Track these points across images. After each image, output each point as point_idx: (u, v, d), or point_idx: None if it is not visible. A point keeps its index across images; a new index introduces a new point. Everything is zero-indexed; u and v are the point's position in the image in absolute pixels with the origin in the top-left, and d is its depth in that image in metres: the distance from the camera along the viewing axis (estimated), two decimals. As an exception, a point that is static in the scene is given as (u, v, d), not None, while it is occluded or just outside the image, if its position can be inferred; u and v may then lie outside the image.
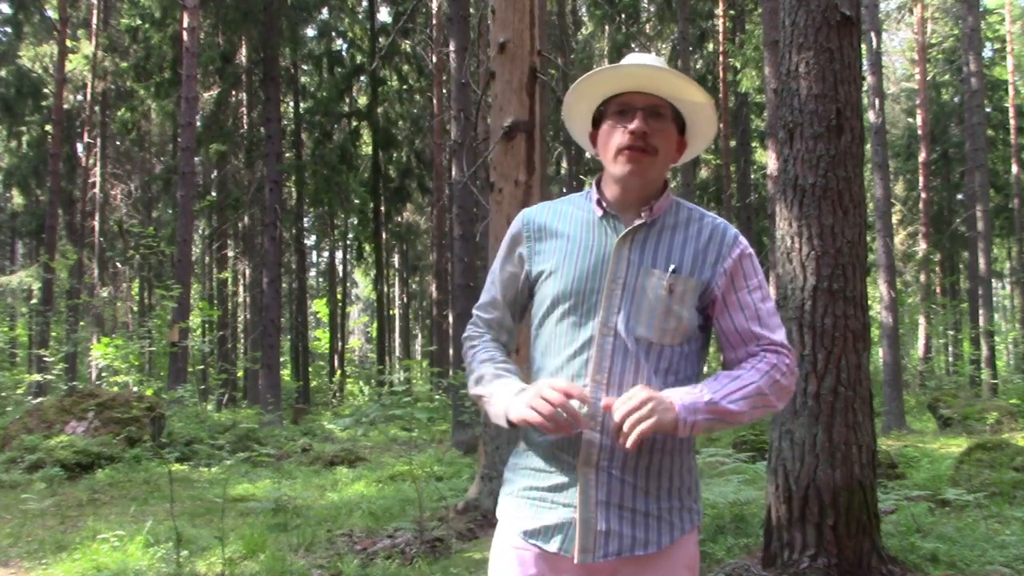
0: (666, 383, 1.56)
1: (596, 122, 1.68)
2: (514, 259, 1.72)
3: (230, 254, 27.11)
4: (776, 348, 1.62)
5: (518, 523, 1.62)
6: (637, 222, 1.61)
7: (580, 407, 1.52)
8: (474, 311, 1.80)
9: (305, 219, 27.99)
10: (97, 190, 23.16)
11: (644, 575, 1.57)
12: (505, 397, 1.59)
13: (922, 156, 26.73)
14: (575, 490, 1.55)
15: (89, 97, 23.22)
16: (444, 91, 21.33)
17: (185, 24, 15.71)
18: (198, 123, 18.41)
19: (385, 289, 27.70)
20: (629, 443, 1.44)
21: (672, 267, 1.58)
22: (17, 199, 25.93)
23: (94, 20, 22.87)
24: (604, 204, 1.64)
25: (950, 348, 30.46)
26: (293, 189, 24.30)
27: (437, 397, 19.41)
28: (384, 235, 26.43)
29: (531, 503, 1.61)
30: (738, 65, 20.54)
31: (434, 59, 22.81)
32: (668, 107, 1.63)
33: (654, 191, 1.65)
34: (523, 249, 1.70)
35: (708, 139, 1.72)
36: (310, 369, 27.94)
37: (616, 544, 1.54)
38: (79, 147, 25.54)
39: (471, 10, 12.94)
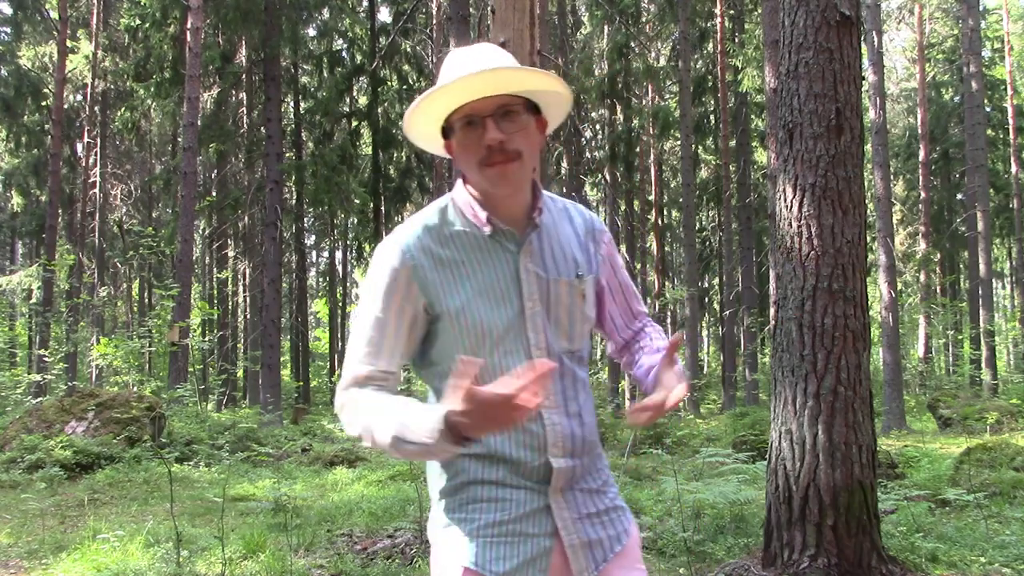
0: (585, 374, 1.58)
1: (445, 131, 1.53)
2: (400, 295, 1.48)
3: (230, 254, 27.12)
4: (650, 320, 1.75)
5: (492, 565, 1.46)
6: (531, 231, 1.52)
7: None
8: (348, 371, 1.49)
9: (305, 219, 28.01)
10: (97, 190, 23.16)
11: (621, 571, 1.54)
12: (431, 422, 1.29)
13: (922, 156, 26.75)
14: (547, 516, 1.49)
15: (89, 97, 23.24)
16: (444, 91, 21.29)
17: (189, 24, 15.70)
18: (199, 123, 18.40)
19: (385, 289, 27.61)
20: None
21: (578, 272, 1.55)
22: (17, 199, 25.95)
23: (94, 20, 22.89)
24: (493, 220, 1.50)
25: (950, 348, 30.48)
26: (293, 189, 24.31)
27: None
28: (384, 235, 26.41)
29: (498, 541, 1.47)
30: (738, 65, 20.54)
31: (434, 59, 22.82)
32: (519, 100, 1.48)
33: (528, 192, 1.56)
34: (413, 282, 1.47)
35: (563, 108, 1.59)
36: (310, 369, 27.97)
37: (600, 551, 1.52)
38: (79, 147, 25.55)
39: (471, 10, 12.95)
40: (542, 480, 1.49)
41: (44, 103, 23.46)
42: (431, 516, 1.57)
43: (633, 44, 24.07)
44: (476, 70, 1.42)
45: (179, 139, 20.12)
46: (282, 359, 24.70)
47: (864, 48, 14.69)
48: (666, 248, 29.39)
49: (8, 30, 24.28)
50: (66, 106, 23.35)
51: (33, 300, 23.17)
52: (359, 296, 1.54)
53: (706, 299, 29.99)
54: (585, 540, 1.51)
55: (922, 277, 28.26)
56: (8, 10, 23.71)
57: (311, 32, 24.33)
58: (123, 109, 21.29)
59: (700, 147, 26.60)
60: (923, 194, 26.68)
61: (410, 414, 1.36)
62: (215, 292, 28.09)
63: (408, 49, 24.42)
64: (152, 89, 19.21)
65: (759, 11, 17.64)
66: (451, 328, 1.47)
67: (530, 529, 1.48)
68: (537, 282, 1.50)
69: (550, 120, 1.59)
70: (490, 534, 1.47)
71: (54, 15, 22.60)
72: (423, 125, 1.53)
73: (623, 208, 27.12)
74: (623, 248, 26.74)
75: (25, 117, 23.80)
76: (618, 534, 1.56)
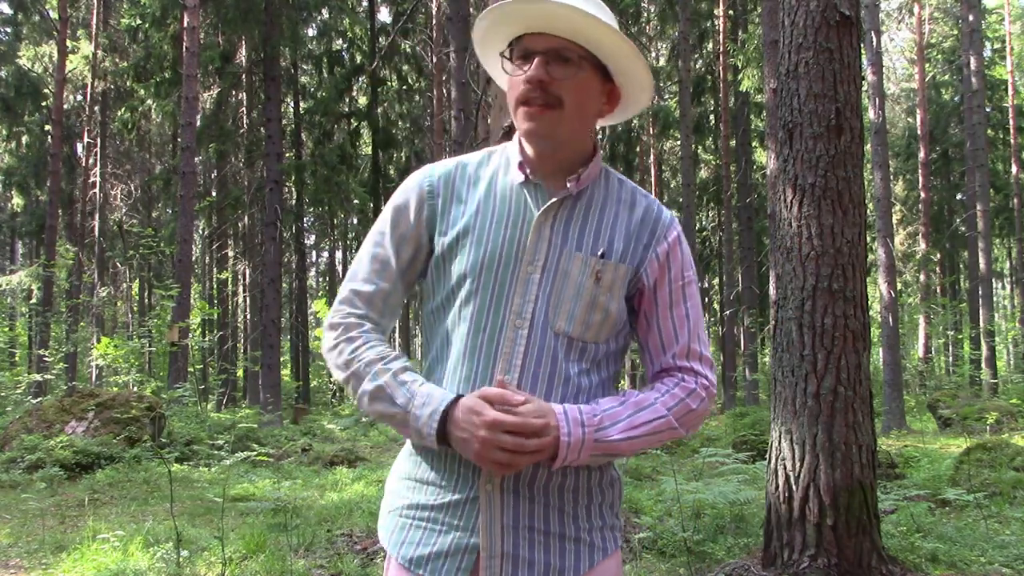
0: (589, 382, 1.35)
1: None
2: (411, 218, 1.41)
3: (230, 254, 27.13)
4: (699, 364, 1.39)
5: (401, 549, 1.39)
6: (562, 193, 1.37)
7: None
8: (347, 286, 1.42)
9: (305, 219, 28.02)
10: (97, 190, 23.16)
11: None
12: (436, 402, 1.29)
13: (922, 156, 26.76)
14: (475, 510, 1.31)
15: (89, 97, 23.24)
16: (444, 91, 21.34)
17: (185, 24, 15.71)
18: (198, 123, 18.40)
19: (385, 289, 27.62)
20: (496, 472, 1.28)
21: (601, 251, 1.35)
22: (17, 199, 25.96)
23: (94, 20, 22.89)
24: (526, 168, 1.39)
25: (950, 348, 30.48)
26: (293, 189, 24.32)
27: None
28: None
29: (417, 524, 1.37)
30: (738, 65, 20.55)
31: (434, 59, 22.82)
32: (580, 51, 1.34)
33: (579, 155, 1.40)
34: (426, 208, 1.40)
35: (643, 82, 1.41)
36: (310, 369, 27.96)
37: (526, 574, 1.31)
38: (79, 147, 25.55)
39: (471, 10, 12.93)
40: (475, 468, 1.32)
41: (44, 103, 23.44)
42: (395, 463, 1.50)
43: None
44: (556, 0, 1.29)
45: (179, 139, 20.11)
46: (282, 359, 24.69)
47: (863, 48, 14.70)
48: (666, 248, 29.34)
49: (8, 30, 24.28)
50: (66, 106, 23.35)
51: (33, 300, 23.16)
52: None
53: (706, 299, 29.98)
54: (509, 553, 1.31)
55: (922, 277, 28.27)
56: (8, 10, 23.71)
57: (311, 32, 24.34)
58: (123, 109, 21.31)
59: (700, 147, 26.62)
60: (923, 194, 26.69)
61: (416, 382, 1.32)
62: (215, 292, 28.09)
63: (408, 49, 24.43)
64: (152, 89, 19.23)
65: (759, 11, 17.63)
66: (442, 265, 1.39)
67: (453, 520, 1.33)
68: (548, 248, 1.34)
69: (628, 85, 1.42)
70: (410, 515, 1.39)
71: (54, 15, 22.59)
72: (491, 47, 1.43)
73: (623, 208, 27.10)
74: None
75: (25, 117, 23.79)
76: (563, 566, 1.33)
